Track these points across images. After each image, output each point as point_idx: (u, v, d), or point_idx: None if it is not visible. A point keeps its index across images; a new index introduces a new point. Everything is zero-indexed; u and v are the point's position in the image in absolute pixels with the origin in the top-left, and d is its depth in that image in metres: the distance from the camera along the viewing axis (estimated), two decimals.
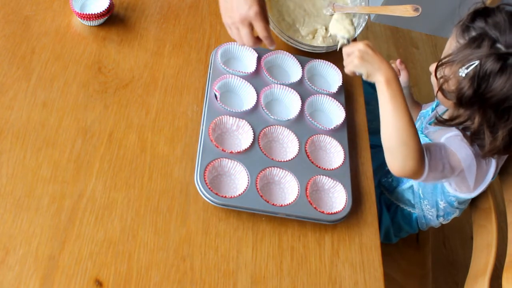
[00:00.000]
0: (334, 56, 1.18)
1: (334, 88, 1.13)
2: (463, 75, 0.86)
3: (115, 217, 0.86)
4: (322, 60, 1.15)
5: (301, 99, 1.06)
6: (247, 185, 0.92)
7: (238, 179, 0.95)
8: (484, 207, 1.12)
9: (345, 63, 0.99)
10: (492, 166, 0.97)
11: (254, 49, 1.10)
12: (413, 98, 1.25)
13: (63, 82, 0.98)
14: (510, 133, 0.87)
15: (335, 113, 1.10)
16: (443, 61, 0.91)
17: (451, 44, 0.93)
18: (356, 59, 0.94)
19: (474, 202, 1.16)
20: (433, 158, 0.93)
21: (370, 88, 1.34)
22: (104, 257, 0.82)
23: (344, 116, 1.07)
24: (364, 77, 0.96)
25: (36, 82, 0.96)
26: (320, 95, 1.10)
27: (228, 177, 0.96)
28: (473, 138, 0.93)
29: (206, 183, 0.90)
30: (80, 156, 0.90)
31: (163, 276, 0.83)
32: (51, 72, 0.99)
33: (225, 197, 0.90)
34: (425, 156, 0.92)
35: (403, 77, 1.22)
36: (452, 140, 0.97)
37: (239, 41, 1.01)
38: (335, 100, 1.09)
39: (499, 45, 0.84)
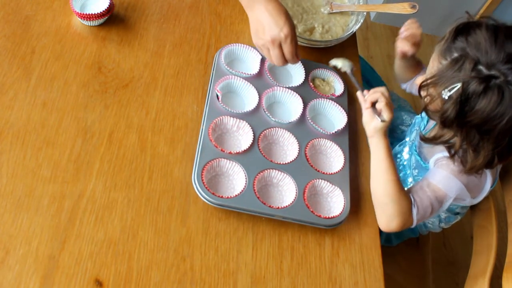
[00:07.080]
0: (331, 52, 1.18)
1: (338, 92, 1.12)
2: (446, 97, 0.85)
3: (115, 217, 0.86)
4: (325, 67, 1.14)
5: (303, 103, 1.06)
6: (245, 186, 0.92)
7: (236, 180, 0.95)
8: (484, 208, 1.12)
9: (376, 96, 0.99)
10: (488, 176, 0.97)
11: (258, 51, 1.10)
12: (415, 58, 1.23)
13: (63, 82, 0.98)
14: (493, 151, 0.87)
15: (337, 118, 1.09)
16: (427, 82, 0.90)
17: (434, 64, 0.92)
18: (389, 105, 0.97)
19: None
20: (420, 207, 0.95)
21: None
22: (104, 257, 0.82)
23: (346, 120, 1.07)
24: (376, 121, 0.97)
25: (36, 82, 0.96)
26: (322, 99, 1.09)
27: (226, 178, 0.95)
28: (457, 155, 0.93)
29: (203, 183, 0.90)
30: (80, 156, 0.90)
31: (163, 276, 0.83)
32: (51, 72, 0.99)
33: (222, 197, 0.90)
34: (412, 209, 0.95)
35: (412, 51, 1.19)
36: (436, 169, 0.98)
37: (269, 60, 1.04)
38: (337, 105, 1.09)
39: (480, 67, 0.82)
